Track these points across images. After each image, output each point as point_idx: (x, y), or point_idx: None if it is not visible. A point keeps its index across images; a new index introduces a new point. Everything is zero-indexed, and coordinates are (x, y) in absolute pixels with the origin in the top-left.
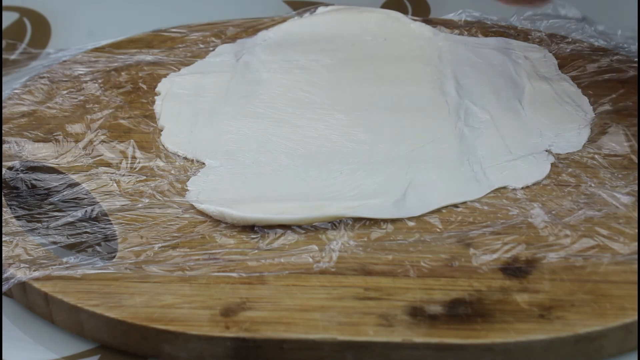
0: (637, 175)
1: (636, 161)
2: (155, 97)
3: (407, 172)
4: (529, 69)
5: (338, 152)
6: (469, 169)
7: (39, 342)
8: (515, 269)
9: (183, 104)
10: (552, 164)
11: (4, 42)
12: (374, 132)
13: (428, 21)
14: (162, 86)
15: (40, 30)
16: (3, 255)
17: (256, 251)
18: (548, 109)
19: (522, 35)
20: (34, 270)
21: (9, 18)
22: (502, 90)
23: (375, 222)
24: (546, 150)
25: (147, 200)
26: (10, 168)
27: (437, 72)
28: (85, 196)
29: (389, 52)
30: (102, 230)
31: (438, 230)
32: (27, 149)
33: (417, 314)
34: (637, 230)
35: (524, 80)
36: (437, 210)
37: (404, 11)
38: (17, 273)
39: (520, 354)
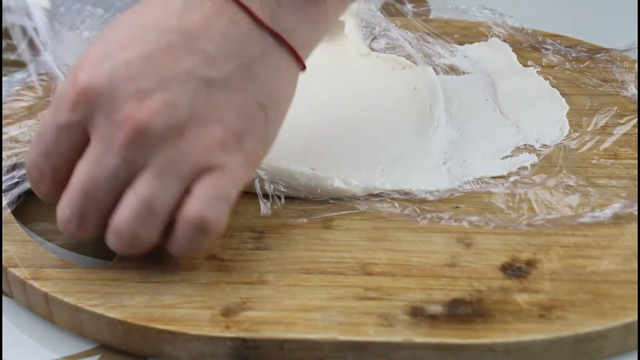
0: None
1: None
2: None
3: (382, 171)
4: (490, 67)
5: (311, 150)
6: (445, 168)
7: (39, 342)
8: (516, 269)
9: None
10: (535, 161)
11: (4, 43)
12: (349, 133)
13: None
14: None
15: None
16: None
17: (257, 251)
18: (523, 104)
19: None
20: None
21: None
22: (473, 89)
23: (375, 222)
24: (528, 146)
25: None
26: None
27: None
28: None
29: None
30: None
31: (439, 230)
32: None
33: (417, 314)
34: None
35: (494, 78)
36: (438, 210)
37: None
38: (15, 272)
39: (521, 354)
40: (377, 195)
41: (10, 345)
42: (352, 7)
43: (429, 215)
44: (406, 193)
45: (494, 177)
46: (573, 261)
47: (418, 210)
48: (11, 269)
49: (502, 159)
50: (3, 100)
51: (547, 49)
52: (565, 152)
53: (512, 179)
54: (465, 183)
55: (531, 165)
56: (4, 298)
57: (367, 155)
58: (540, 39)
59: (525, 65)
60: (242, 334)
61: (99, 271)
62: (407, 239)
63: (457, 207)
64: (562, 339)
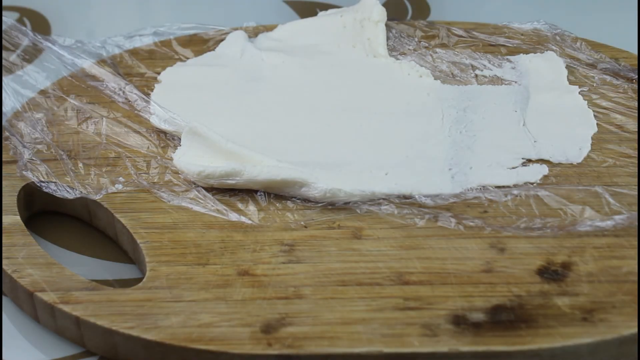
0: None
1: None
2: (155, 85)
3: (386, 175)
4: (536, 79)
5: (316, 151)
6: (449, 174)
7: (38, 342)
8: (552, 272)
9: (178, 95)
10: (544, 174)
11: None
12: (362, 136)
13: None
14: (164, 75)
15: (40, 30)
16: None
17: (289, 264)
18: (550, 120)
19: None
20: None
21: (9, 18)
22: (505, 99)
23: (406, 230)
24: (540, 161)
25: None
26: None
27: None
28: None
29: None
30: None
31: (470, 235)
32: None
33: (460, 322)
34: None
35: (529, 91)
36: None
37: (403, 12)
38: (43, 296)
39: (566, 358)
40: (376, 199)
41: (11, 345)
42: (380, 15)
43: (426, 216)
44: (405, 197)
45: (498, 187)
46: (608, 262)
47: (415, 211)
48: (38, 294)
49: (510, 169)
50: None
51: (606, 69)
52: (578, 168)
53: (515, 191)
54: (468, 190)
55: (539, 179)
56: (3, 298)
57: (373, 159)
58: (599, 57)
59: (574, 84)
60: (285, 351)
61: (130, 292)
62: (439, 246)
63: (485, 211)
64: (607, 342)
